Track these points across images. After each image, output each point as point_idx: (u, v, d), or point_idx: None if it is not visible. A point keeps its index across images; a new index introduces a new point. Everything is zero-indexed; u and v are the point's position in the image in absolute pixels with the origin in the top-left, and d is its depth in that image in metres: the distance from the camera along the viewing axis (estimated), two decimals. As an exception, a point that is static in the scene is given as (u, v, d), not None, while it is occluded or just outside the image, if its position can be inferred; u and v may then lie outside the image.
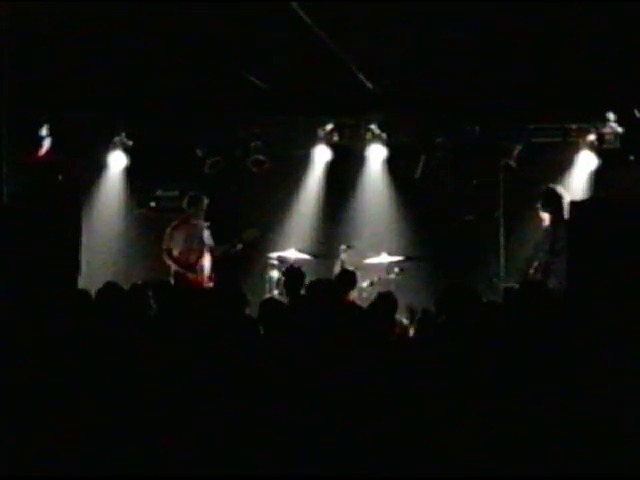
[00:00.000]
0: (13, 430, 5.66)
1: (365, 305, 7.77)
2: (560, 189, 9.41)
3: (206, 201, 10.34)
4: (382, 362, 5.73)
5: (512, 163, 10.70)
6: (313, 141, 11.29)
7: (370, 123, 11.14)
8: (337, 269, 10.38)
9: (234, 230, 10.41)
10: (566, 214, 8.98)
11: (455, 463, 5.13)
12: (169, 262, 10.19)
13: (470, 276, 9.87)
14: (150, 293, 7.13)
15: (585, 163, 10.68)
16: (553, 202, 9.27)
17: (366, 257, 10.62)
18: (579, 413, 5.18)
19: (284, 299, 8.27)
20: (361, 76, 9.86)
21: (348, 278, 8.33)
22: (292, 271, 8.66)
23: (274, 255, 10.63)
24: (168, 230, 10.36)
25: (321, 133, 11.23)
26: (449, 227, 10.71)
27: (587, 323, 5.98)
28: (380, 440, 5.27)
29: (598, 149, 10.60)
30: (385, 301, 6.88)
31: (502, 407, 5.30)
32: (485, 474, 5.13)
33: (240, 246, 10.16)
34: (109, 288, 7.14)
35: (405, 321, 7.64)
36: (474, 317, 6.22)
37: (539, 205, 9.38)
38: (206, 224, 10.27)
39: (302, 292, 7.70)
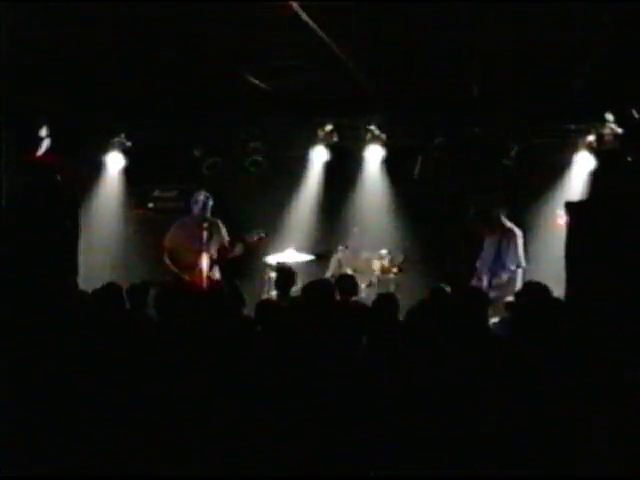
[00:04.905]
0: (12, 430, 5.66)
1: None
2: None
3: (210, 202, 10.32)
4: (383, 362, 5.73)
5: (509, 163, 10.71)
6: (312, 142, 11.30)
7: (369, 124, 11.14)
8: (333, 269, 10.38)
9: (233, 230, 10.39)
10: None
11: (450, 463, 5.14)
12: (167, 261, 10.18)
13: (468, 276, 9.88)
14: (148, 293, 7.16)
15: (583, 164, 10.69)
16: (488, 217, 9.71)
17: (364, 257, 10.60)
18: (579, 418, 5.18)
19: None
20: (361, 76, 9.85)
21: (348, 283, 8.28)
22: (283, 269, 8.66)
23: (272, 256, 10.62)
24: (171, 229, 10.35)
25: (320, 134, 11.23)
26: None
27: (587, 325, 5.98)
28: (380, 440, 5.28)
29: (597, 150, 10.60)
30: (387, 302, 6.88)
31: (501, 410, 5.31)
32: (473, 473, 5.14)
33: (256, 237, 10.09)
34: (107, 288, 7.15)
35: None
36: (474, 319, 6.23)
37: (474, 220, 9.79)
38: (206, 224, 10.25)
39: (298, 292, 7.70)
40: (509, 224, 9.84)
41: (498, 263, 9.70)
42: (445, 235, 10.85)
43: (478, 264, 9.84)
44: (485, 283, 9.66)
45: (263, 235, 10.11)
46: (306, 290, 6.81)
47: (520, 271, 9.71)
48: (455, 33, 8.20)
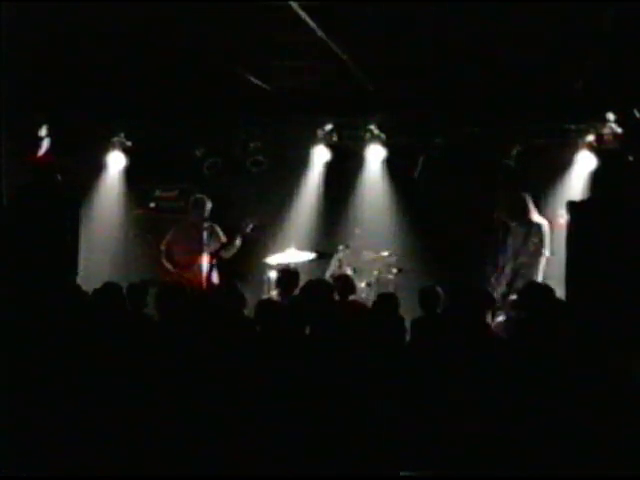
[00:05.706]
0: (12, 430, 5.66)
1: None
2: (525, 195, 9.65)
3: (209, 204, 10.35)
4: (383, 362, 5.73)
5: (511, 163, 10.70)
6: (312, 141, 11.29)
7: (369, 123, 11.13)
8: (333, 269, 10.37)
9: (232, 230, 10.40)
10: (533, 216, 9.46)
11: (450, 463, 5.14)
12: (166, 262, 10.22)
13: (469, 277, 9.86)
14: (148, 293, 7.16)
15: (584, 163, 10.67)
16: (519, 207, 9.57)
17: (364, 257, 10.59)
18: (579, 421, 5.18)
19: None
20: (361, 76, 9.86)
21: (345, 283, 8.28)
22: (286, 271, 8.67)
23: (272, 255, 10.62)
24: (170, 232, 10.40)
25: (320, 133, 11.22)
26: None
27: (588, 325, 5.98)
28: (378, 440, 5.28)
29: (597, 149, 10.58)
30: (387, 302, 6.88)
31: (501, 410, 5.31)
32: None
33: (250, 226, 10.07)
34: (107, 288, 7.15)
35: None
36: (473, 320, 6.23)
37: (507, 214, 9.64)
38: (207, 225, 10.27)
39: (297, 292, 7.70)
40: (537, 217, 9.66)
41: (523, 248, 9.53)
42: (445, 235, 10.83)
43: (503, 258, 9.67)
44: (508, 270, 9.50)
45: (256, 224, 10.12)
46: (304, 290, 6.81)
47: (544, 259, 9.51)
48: (455, 33, 8.20)
